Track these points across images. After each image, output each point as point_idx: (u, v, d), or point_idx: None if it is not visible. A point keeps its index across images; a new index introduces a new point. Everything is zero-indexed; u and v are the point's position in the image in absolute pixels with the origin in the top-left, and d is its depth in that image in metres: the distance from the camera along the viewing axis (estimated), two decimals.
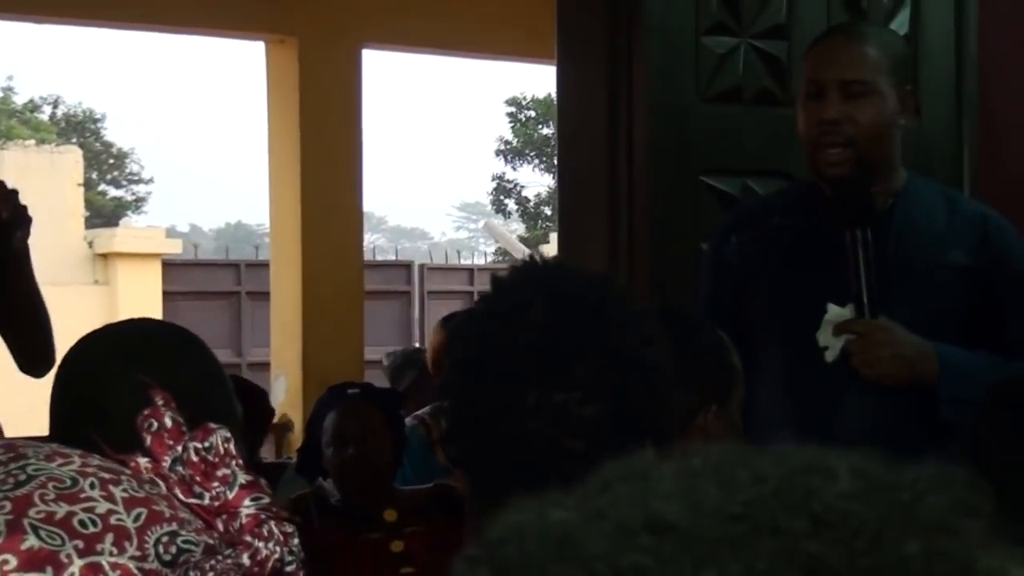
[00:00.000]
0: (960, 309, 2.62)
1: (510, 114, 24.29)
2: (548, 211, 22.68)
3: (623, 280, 1.50)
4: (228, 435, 1.36)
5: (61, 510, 1.21)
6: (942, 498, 0.59)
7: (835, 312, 2.59)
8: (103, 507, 1.22)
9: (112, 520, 1.22)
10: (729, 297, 2.76)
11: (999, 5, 3.59)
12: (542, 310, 1.44)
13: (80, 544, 1.19)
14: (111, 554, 1.19)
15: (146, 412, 1.39)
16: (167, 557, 1.21)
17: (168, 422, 1.38)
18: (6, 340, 2.90)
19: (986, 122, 3.55)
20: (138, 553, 1.20)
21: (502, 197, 24.19)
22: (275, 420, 7.43)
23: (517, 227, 24.30)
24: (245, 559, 1.25)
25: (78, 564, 1.18)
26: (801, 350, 2.62)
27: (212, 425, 1.36)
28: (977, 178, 3.45)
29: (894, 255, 2.64)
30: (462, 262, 17.85)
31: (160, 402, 1.40)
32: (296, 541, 1.31)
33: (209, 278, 13.84)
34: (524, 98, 24.06)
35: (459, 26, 7.53)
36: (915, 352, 2.57)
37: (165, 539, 1.23)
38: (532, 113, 23.96)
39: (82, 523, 1.21)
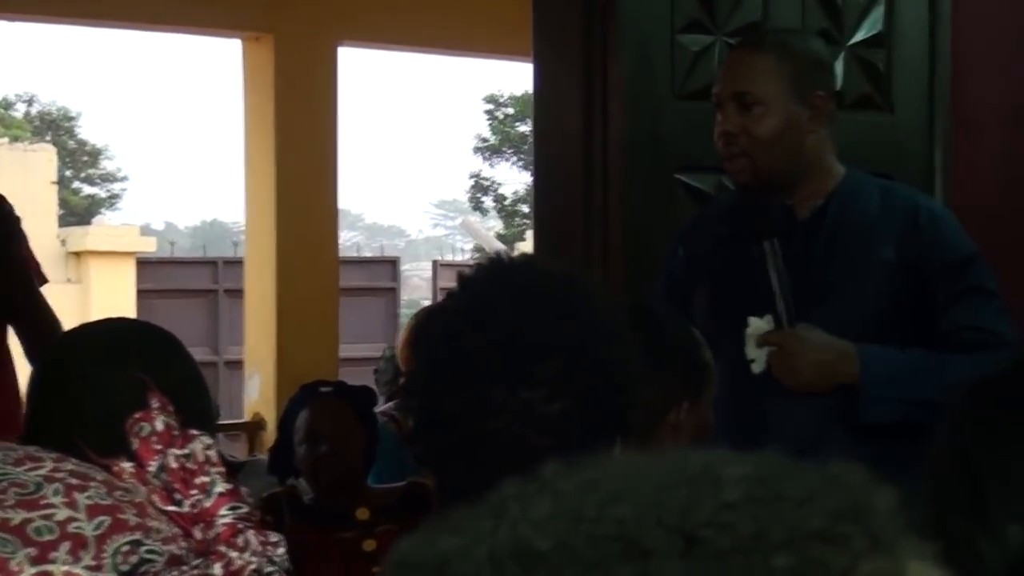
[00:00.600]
0: (896, 304, 2.61)
1: (488, 111, 24.29)
2: (525, 208, 22.67)
3: (595, 277, 1.49)
4: (209, 442, 1.34)
5: (17, 517, 1.19)
6: (828, 503, 0.57)
7: (755, 325, 2.62)
8: (63, 514, 1.20)
9: (70, 528, 1.20)
10: (680, 309, 2.78)
11: (972, 4, 3.60)
12: (508, 308, 1.44)
13: (33, 552, 1.17)
14: (64, 563, 1.17)
15: (137, 415, 1.37)
16: (125, 567, 1.19)
17: (160, 426, 1.36)
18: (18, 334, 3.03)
19: (959, 121, 3.56)
20: (93, 563, 1.18)
21: (479, 194, 24.18)
22: (248, 418, 7.44)
23: (494, 224, 24.29)
24: (217, 569, 1.23)
25: (29, 572, 1.16)
26: (736, 362, 2.64)
27: (194, 431, 1.35)
28: (949, 176, 3.46)
29: (825, 255, 2.66)
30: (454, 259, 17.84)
31: (155, 405, 1.38)
32: (281, 551, 1.29)
33: (185, 276, 13.80)
34: (502, 95, 24.07)
35: (435, 23, 7.52)
36: (834, 356, 2.57)
37: (126, 548, 1.20)
38: (510, 110, 23.96)
39: (38, 530, 1.19)
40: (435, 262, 15.78)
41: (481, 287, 1.49)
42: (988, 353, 2.49)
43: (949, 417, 1.19)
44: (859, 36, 3.40)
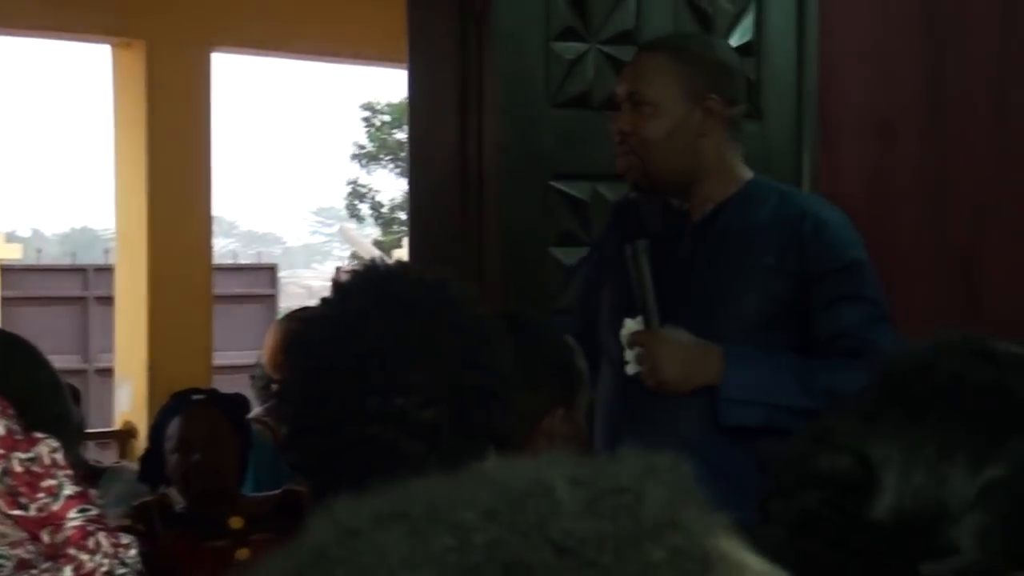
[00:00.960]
0: (775, 310, 2.63)
1: (365, 118, 24.18)
2: (402, 215, 22.61)
3: (470, 284, 1.49)
4: (56, 445, 1.32)
5: None
6: (662, 492, 0.59)
7: (628, 326, 2.65)
8: None
9: None
10: (593, 310, 2.80)
11: (838, 12, 3.67)
12: (382, 315, 1.43)
13: None
14: None
15: None
16: None
17: (0, 430, 1.33)
18: None
19: (826, 125, 3.63)
20: None
21: (356, 201, 24.06)
22: (119, 426, 7.33)
23: (372, 231, 24.19)
24: (67, 572, 1.21)
25: None
26: (616, 363, 2.68)
27: (38, 435, 1.32)
28: (817, 179, 3.52)
29: (709, 259, 2.68)
30: None
31: None
32: (133, 552, 1.28)
33: (54, 283, 13.53)
34: (378, 103, 23.98)
35: (311, 30, 7.47)
36: (697, 358, 2.59)
37: None
38: (387, 117, 23.87)
39: None
40: (339, 268, 15.60)
41: (355, 295, 1.48)
42: (860, 361, 2.50)
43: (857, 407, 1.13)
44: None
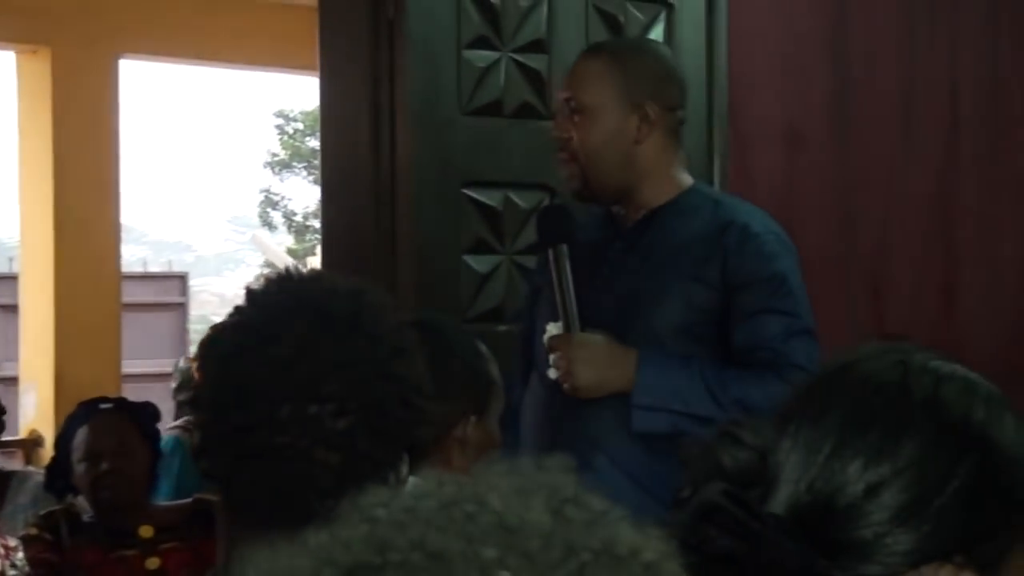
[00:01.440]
0: (698, 319, 2.63)
1: (278, 126, 24.02)
2: (316, 223, 22.47)
3: (383, 291, 1.49)
4: None
5: None
6: (570, 484, 0.61)
7: (549, 330, 2.65)
8: None
9: None
10: (533, 319, 2.82)
11: (747, 23, 3.71)
12: (296, 324, 1.43)
13: None
14: None
15: None
16: None
17: None
18: None
19: (735, 135, 3.67)
20: None
21: (269, 210, 23.89)
22: (24, 435, 7.22)
23: (285, 240, 24.03)
24: None
25: None
26: (544, 369, 2.68)
27: None
28: (727, 189, 3.55)
29: (638, 266, 2.68)
30: None
31: None
32: (20, 555, 1.27)
33: None
34: (291, 110, 23.84)
35: (221, 36, 7.42)
36: (611, 363, 2.59)
37: None
38: (300, 125, 23.74)
39: None
40: (256, 277, 15.48)
41: (269, 302, 1.47)
42: (774, 374, 2.51)
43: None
44: None
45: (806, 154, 3.87)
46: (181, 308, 13.56)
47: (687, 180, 2.74)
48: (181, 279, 14.28)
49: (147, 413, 3.43)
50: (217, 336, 1.51)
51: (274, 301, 1.49)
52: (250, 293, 1.51)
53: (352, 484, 1.34)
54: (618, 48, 2.83)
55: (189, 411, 4.83)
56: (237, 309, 1.50)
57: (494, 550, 0.58)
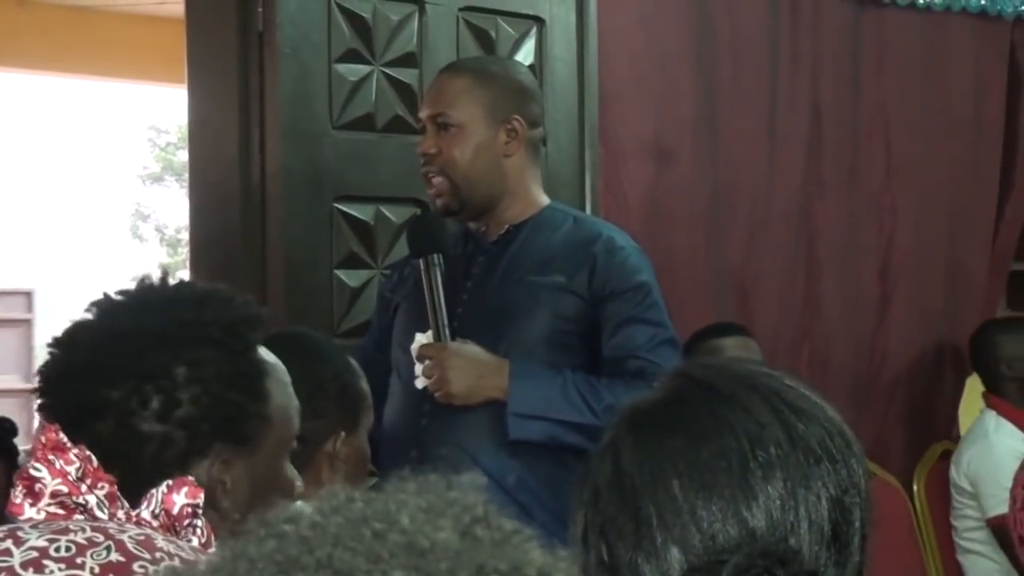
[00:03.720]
0: (565, 328, 2.68)
1: (150, 139, 23.69)
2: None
3: (258, 306, 1.47)
4: None
5: None
6: (480, 504, 0.62)
7: (418, 340, 2.67)
8: None
9: None
10: (387, 330, 2.82)
11: (615, 39, 3.75)
12: (142, 337, 1.39)
13: None
14: None
15: None
16: None
17: None
18: None
19: (606, 149, 3.70)
20: None
21: (139, 223, 23.54)
22: None
23: (157, 253, 23.68)
24: None
25: None
26: (406, 378, 2.71)
27: None
28: (597, 203, 3.58)
29: (502, 278, 2.72)
30: None
31: None
32: None
33: None
34: (163, 124, 23.53)
35: (88, 49, 7.29)
36: (484, 371, 2.63)
37: None
38: (172, 138, 23.44)
39: None
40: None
41: (122, 309, 1.44)
42: (646, 381, 2.54)
43: (608, 443, 1.22)
44: None
45: (675, 169, 3.92)
46: (26, 324, 13.33)
47: (544, 198, 2.82)
48: (27, 295, 14.00)
49: (3, 428, 3.36)
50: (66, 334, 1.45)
51: (127, 309, 1.44)
52: (104, 297, 1.46)
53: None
54: (481, 64, 2.88)
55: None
56: (89, 308, 1.44)
57: (401, 572, 0.58)
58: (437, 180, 2.70)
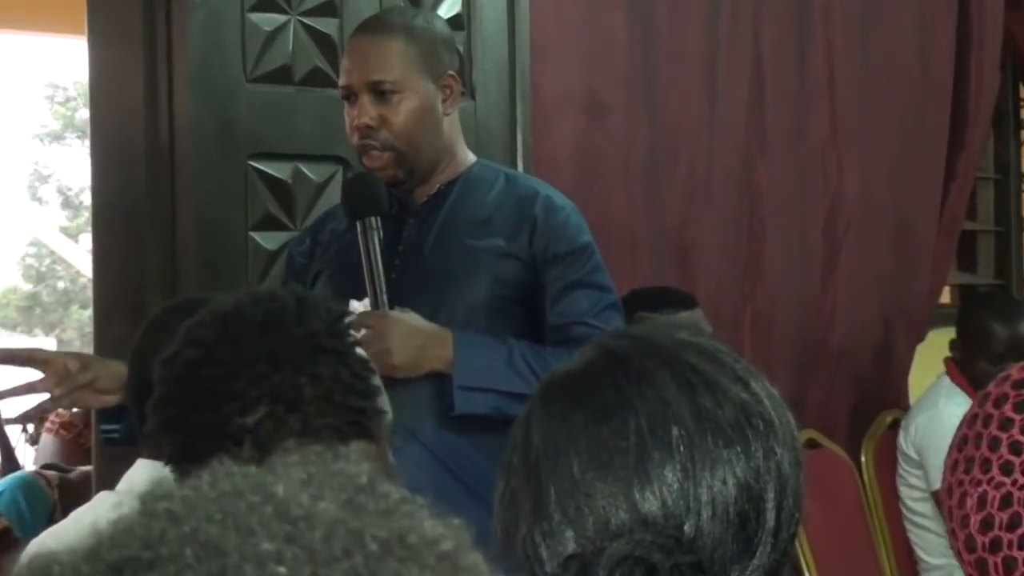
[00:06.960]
0: (506, 293, 2.57)
1: (49, 96, 23.19)
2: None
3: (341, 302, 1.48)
4: None
5: None
6: (364, 474, 0.61)
7: (353, 308, 2.50)
8: None
9: None
10: None
11: None
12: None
13: None
14: None
15: None
16: None
17: None
18: None
19: (538, 103, 3.53)
20: None
21: (39, 184, 23.06)
22: None
23: (58, 217, 23.25)
24: None
25: None
26: None
27: None
28: (529, 158, 3.44)
29: (437, 241, 2.60)
30: None
31: None
32: None
33: None
34: (62, 79, 23.04)
35: None
36: (426, 341, 2.50)
37: None
38: (73, 94, 22.96)
39: None
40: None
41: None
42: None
43: (525, 412, 1.19)
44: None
45: (610, 123, 3.76)
46: None
47: (471, 155, 2.70)
48: None
49: None
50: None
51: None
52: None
53: None
54: (406, 21, 2.67)
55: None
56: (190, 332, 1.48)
57: (272, 543, 0.56)
58: (379, 153, 2.55)
